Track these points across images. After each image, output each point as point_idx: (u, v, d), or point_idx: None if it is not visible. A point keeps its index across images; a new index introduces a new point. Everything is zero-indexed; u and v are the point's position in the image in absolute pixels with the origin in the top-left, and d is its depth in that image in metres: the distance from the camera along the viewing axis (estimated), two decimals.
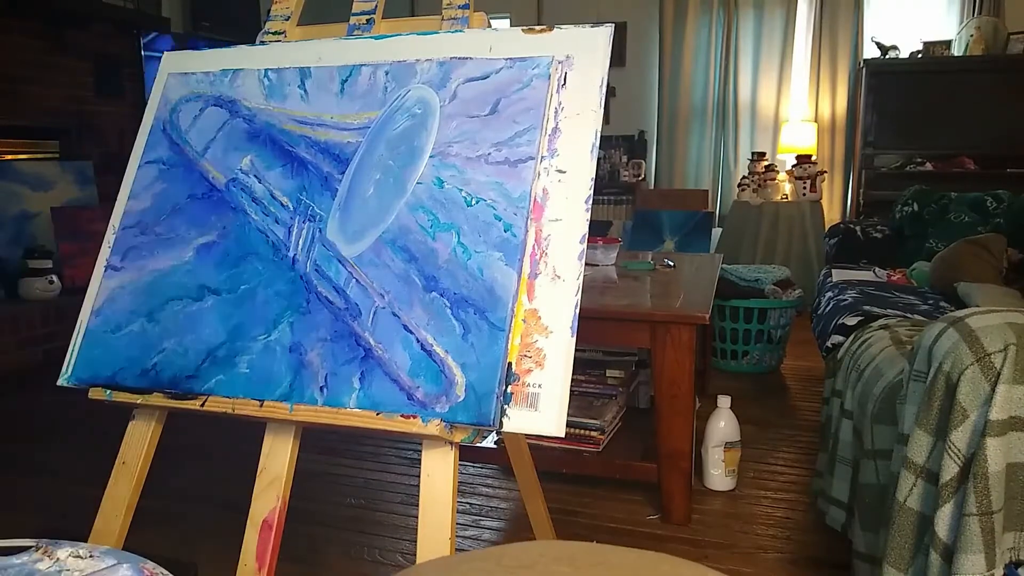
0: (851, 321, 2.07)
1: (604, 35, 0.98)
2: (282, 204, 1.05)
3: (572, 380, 0.88)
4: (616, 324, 1.95)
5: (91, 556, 0.78)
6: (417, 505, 0.91)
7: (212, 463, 2.35)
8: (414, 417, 0.88)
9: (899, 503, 1.20)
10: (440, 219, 0.96)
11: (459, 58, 1.03)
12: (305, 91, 1.10)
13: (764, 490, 2.14)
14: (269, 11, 1.23)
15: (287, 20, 1.20)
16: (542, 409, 0.86)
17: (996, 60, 4.42)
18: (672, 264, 2.62)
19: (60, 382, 1.08)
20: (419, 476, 0.91)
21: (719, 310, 3.21)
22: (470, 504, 2.07)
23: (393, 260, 0.96)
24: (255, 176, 1.08)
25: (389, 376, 0.91)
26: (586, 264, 0.91)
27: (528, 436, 1.46)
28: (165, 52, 1.25)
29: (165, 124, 1.18)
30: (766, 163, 4.70)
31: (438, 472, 0.90)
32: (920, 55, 4.62)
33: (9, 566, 0.75)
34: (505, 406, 0.86)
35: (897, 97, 4.56)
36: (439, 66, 1.04)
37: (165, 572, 0.79)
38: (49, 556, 0.77)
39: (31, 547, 0.78)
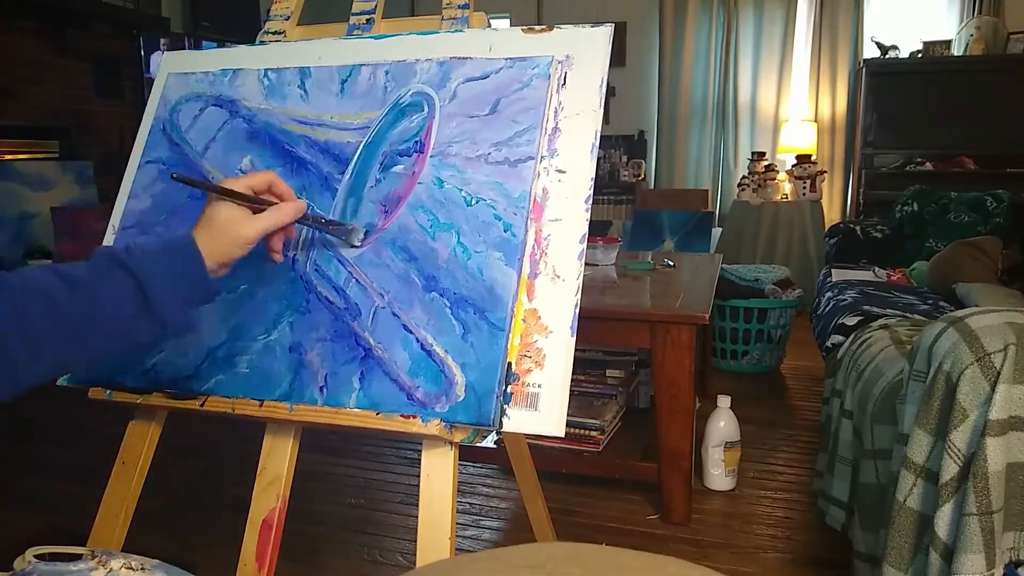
0: (851, 321, 2.07)
1: (604, 35, 0.98)
2: None
3: (572, 380, 0.88)
4: (616, 324, 1.95)
5: (142, 568, 0.79)
6: (417, 505, 0.91)
7: (212, 463, 2.35)
8: (414, 417, 0.88)
9: (899, 503, 1.20)
10: (440, 219, 0.96)
11: (459, 58, 1.03)
12: (305, 91, 1.10)
13: (764, 490, 2.14)
14: (269, 11, 1.22)
15: (287, 20, 1.20)
16: (542, 409, 0.86)
17: (996, 60, 4.42)
18: (672, 264, 2.62)
19: (60, 382, 1.08)
20: (419, 476, 0.91)
21: (719, 310, 3.21)
22: (470, 504, 2.07)
23: (393, 260, 0.96)
24: None
25: (389, 376, 0.91)
26: (586, 264, 0.91)
27: (528, 436, 1.46)
28: (165, 52, 1.25)
29: (165, 124, 1.18)
30: (766, 163, 4.69)
31: (438, 472, 0.90)
32: (920, 55, 4.62)
33: (67, 572, 0.76)
34: (505, 406, 0.86)
35: (897, 97, 4.56)
36: (439, 66, 1.04)
37: None
38: (103, 566, 0.78)
39: (84, 555, 0.79)
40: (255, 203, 0.85)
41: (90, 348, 0.75)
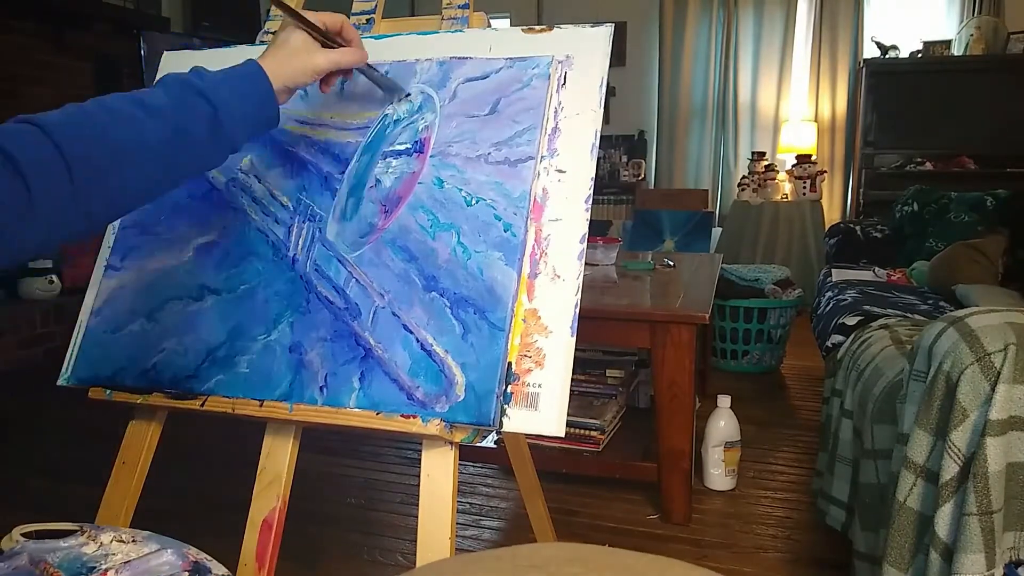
0: (851, 321, 2.07)
1: (604, 35, 0.98)
2: (282, 204, 1.05)
3: (572, 380, 0.88)
4: (616, 324, 1.95)
5: (133, 541, 0.78)
6: (417, 505, 0.91)
7: (212, 463, 2.35)
8: (414, 417, 0.88)
9: (899, 503, 1.20)
10: (440, 219, 0.96)
11: (459, 58, 1.03)
12: (305, 91, 1.10)
13: (764, 490, 2.14)
14: (269, 11, 1.22)
15: None
16: (542, 409, 0.86)
17: (996, 60, 4.42)
18: (672, 264, 2.62)
19: (60, 382, 1.08)
20: (419, 476, 0.91)
21: (719, 310, 3.21)
22: (470, 504, 2.07)
23: (393, 260, 0.96)
24: (255, 176, 1.08)
25: (389, 376, 0.91)
26: (586, 264, 0.91)
27: (528, 436, 1.46)
28: (165, 52, 1.25)
29: None
30: (766, 163, 4.70)
31: (438, 472, 0.90)
32: (920, 55, 4.62)
33: (58, 548, 0.76)
34: (505, 406, 0.86)
35: (897, 97, 4.56)
36: (439, 66, 1.04)
37: (208, 557, 0.80)
38: (94, 540, 0.77)
39: (75, 531, 0.78)
40: (328, 39, 0.89)
41: (171, 174, 0.77)
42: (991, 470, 1.08)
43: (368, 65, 0.97)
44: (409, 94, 1.04)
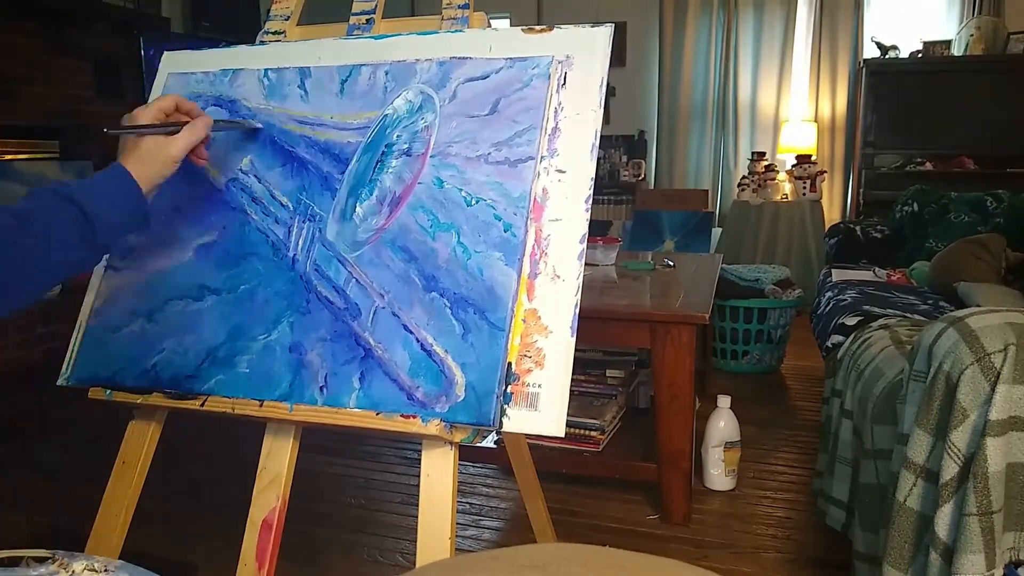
0: (851, 321, 2.07)
1: (604, 35, 0.98)
2: (282, 204, 1.05)
3: (572, 380, 0.88)
4: (616, 324, 1.95)
5: (105, 570, 0.77)
6: (417, 505, 0.91)
7: (212, 463, 2.35)
8: (414, 417, 0.88)
9: (899, 503, 1.20)
10: (440, 219, 0.96)
11: (459, 58, 1.03)
12: (305, 91, 1.10)
13: (764, 490, 2.14)
14: (269, 11, 1.22)
15: (287, 20, 1.20)
16: (542, 409, 0.86)
17: (996, 60, 4.42)
18: (672, 264, 2.62)
19: (60, 382, 1.08)
20: (419, 476, 0.91)
21: (719, 310, 3.21)
22: (470, 504, 2.07)
23: (393, 260, 0.96)
24: (255, 176, 1.08)
25: (389, 376, 0.91)
26: (586, 264, 0.91)
27: (528, 436, 1.46)
28: (165, 52, 1.25)
29: None
30: (766, 163, 4.69)
31: (438, 472, 0.90)
32: (920, 55, 4.61)
33: None
34: (505, 406, 0.86)
35: (897, 97, 4.56)
36: (439, 66, 1.04)
37: None
38: (65, 569, 0.76)
39: (48, 558, 0.77)
40: (169, 128, 0.94)
41: (38, 280, 0.82)
42: (991, 470, 1.09)
43: (218, 122, 1.02)
44: (254, 123, 1.10)
